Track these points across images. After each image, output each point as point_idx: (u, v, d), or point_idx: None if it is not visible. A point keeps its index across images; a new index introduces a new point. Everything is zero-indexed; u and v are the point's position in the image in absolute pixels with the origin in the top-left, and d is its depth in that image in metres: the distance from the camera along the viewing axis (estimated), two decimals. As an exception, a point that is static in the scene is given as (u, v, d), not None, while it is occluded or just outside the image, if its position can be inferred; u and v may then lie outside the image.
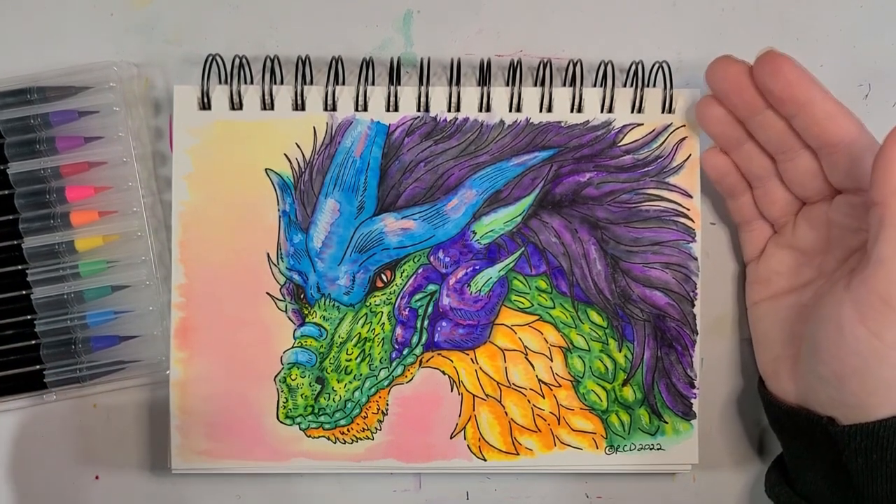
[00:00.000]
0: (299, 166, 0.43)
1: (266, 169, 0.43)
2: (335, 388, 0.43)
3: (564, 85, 0.44)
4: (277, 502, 0.45)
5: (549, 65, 0.43)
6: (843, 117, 0.38)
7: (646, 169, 0.43)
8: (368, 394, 0.43)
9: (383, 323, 0.43)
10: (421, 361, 0.43)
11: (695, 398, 0.44)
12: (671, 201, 0.43)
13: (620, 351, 0.43)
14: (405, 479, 0.45)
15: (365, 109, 0.43)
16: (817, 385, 0.38)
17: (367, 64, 0.43)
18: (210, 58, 0.43)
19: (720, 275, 0.45)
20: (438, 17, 0.45)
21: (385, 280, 0.43)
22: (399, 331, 0.43)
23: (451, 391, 0.43)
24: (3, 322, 0.43)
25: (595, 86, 0.44)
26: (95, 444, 0.45)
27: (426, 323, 0.43)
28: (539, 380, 0.43)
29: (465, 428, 0.43)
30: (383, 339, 0.43)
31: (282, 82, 0.44)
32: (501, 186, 0.43)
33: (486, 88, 0.43)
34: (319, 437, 0.43)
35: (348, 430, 0.43)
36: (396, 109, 0.43)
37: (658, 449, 0.44)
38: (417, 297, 0.43)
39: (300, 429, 0.43)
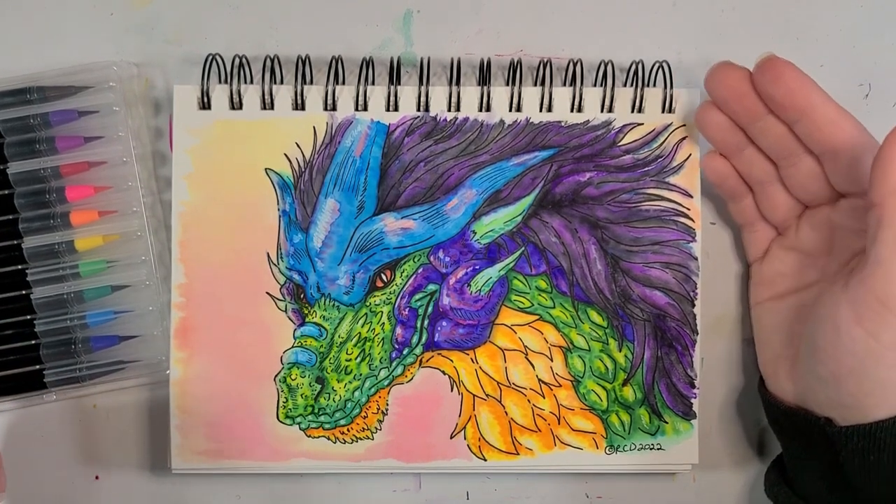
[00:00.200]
0: (299, 166, 0.43)
1: (266, 169, 0.43)
2: (335, 387, 0.43)
3: (564, 85, 0.44)
4: (277, 502, 0.45)
5: (549, 65, 0.43)
6: (845, 121, 0.37)
7: (646, 169, 0.43)
8: (368, 394, 0.43)
9: (383, 323, 0.43)
10: (421, 361, 0.43)
11: (695, 398, 0.44)
12: (671, 201, 0.43)
13: (620, 351, 0.43)
14: (405, 479, 0.45)
15: (365, 109, 0.43)
16: (815, 385, 0.38)
17: (367, 64, 0.43)
18: (210, 58, 0.43)
19: (720, 275, 0.45)
20: (438, 17, 0.45)
21: (385, 280, 0.43)
22: (399, 330, 0.43)
23: (451, 391, 0.43)
24: (3, 322, 0.43)
25: (595, 86, 0.44)
26: (95, 444, 0.45)
27: (426, 323, 0.43)
28: (539, 380, 0.43)
29: (465, 428, 0.43)
30: (383, 338, 0.43)
31: (282, 82, 0.44)
32: (501, 186, 0.43)
33: (486, 88, 0.43)
34: (319, 437, 0.43)
35: (348, 430, 0.43)
36: (396, 109, 0.43)
37: (658, 449, 0.44)
38: (417, 296, 0.43)
39: (300, 429, 0.43)
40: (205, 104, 0.43)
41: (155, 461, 0.45)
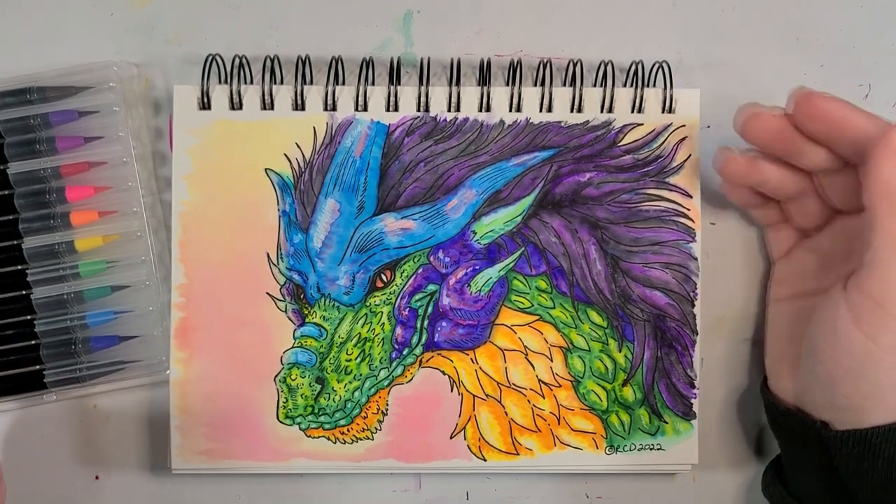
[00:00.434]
0: (299, 166, 0.43)
1: (266, 169, 0.43)
2: (335, 388, 0.43)
3: (564, 85, 0.44)
4: (277, 502, 0.45)
5: (549, 65, 0.43)
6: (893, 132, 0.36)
7: (646, 169, 0.43)
8: (368, 394, 0.43)
9: (383, 323, 0.43)
10: (421, 361, 0.43)
11: (695, 398, 0.44)
12: (671, 201, 0.43)
13: (620, 351, 0.43)
14: (405, 479, 0.45)
15: (365, 109, 0.43)
16: (813, 385, 0.38)
17: (367, 64, 0.43)
18: (210, 58, 0.43)
19: (720, 275, 0.45)
20: (438, 17, 0.45)
21: (385, 280, 0.43)
22: (399, 331, 0.43)
23: (451, 391, 0.43)
24: (3, 322, 0.43)
25: (595, 86, 0.44)
26: (95, 444, 0.45)
27: (426, 323, 0.43)
28: (539, 380, 0.43)
29: (465, 428, 0.43)
30: (383, 339, 0.43)
31: (282, 82, 0.44)
32: (501, 186, 0.43)
33: (486, 88, 0.43)
34: (319, 437, 0.43)
35: (348, 430, 0.43)
36: (396, 109, 0.43)
37: (658, 449, 0.44)
38: (417, 297, 0.43)
39: (300, 429, 0.43)
40: (205, 104, 0.43)
41: (155, 461, 0.45)
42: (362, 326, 0.43)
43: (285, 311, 0.43)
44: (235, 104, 0.43)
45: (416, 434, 0.43)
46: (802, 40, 0.46)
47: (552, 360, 0.43)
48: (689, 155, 0.43)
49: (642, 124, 0.43)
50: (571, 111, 0.43)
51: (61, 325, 0.43)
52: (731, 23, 0.46)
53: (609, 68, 0.43)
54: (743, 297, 0.45)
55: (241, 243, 0.43)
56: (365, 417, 0.43)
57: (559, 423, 0.43)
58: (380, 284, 0.43)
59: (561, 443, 0.43)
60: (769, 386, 0.42)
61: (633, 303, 0.43)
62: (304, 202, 0.43)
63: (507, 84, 0.44)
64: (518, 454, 0.43)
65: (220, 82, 0.43)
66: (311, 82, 0.44)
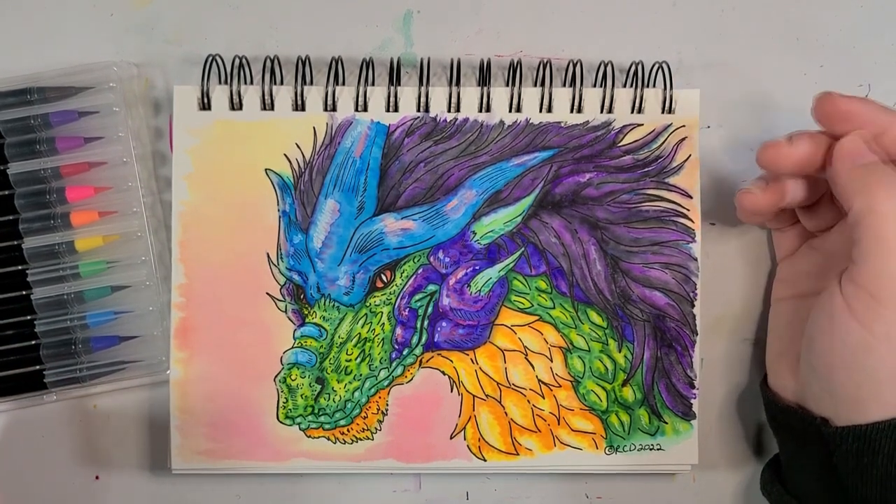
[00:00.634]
0: (299, 166, 0.43)
1: (266, 169, 0.43)
2: (335, 388, 0.43)
3: (564, 85, 0.44)
4: (277, 502, 0.45)
5: (549, 65, 0.43)
6: None
7: (646, 169, 0.43)
8: (368, 394, 0.43)
9: (383, 323, 0.43)
10: (421, 362, 0.43)
11: (694, 398, 0.44)
12: (671, 201, 0.43)
13: (620, 351, 0.43)
14: (405, 480, 0.45)
15: (365, 109, 0.43)
16: (811, 378, 0.38)
17: (367, 64, 0.43)
18: (210, 58, 0.43)
19: (720, 275, 0.45)
20: (438, 17, 0.45)
21: (385, 280, 0.43)
22: (399, 331, 0.43)
23: (451, 391, 0.43)
24: (3, 322, 0.43)
25: (595, 86, 0.44)
26: (95, 444, 0.45)
27: (426, 323, 0.43)
28: (539, 380, 0.43)
29: (465, 428, 0.43)
30: (383, 339, 0.43)
31: (282, 82, 0.44)
32: (501, 187, 0.43)
33: (486, 88, 0.43)
34: (319, 437, 0.43)
35: (348, 431, 0.43)
36: (396, 110, 0.43)
37: (658, 449, 0.44)
38: (417, 297, 0.43)
39: (300, 429, 0.43)
40: (205, 104, 0.43)
41: (155, 461, 0.45)
42: (362, 327, 0.43)
43: (285, 312, 0.43)
44: (235, 104, 0.43)
45: (416, 434, 0.43)
46: (802, 40, 0.46)
47: (552, 361, 0.43)
48: (689, 155, 0.43)
49: (642, 124, 0.43)
50: (571, 111, 0.43)
51: (61, 325, 0.43)
52: (731, 23, 0.46)
53: (609, 68, 0.43)
54: (743, 297, 0.45)
55: (241, 243, 0.43)
56: (365, 417, 0.43)
57: (559, 424, 0.43)
58: (380, 285, 0.43)
59: (561, 443, 0.43)
60: (769, 383, 0.42)
61: (632, 303, 0.43)
62: (304, 202, 0.43)
63: (507, 84, 0.44)
64: (518, 454, 0.43)
65: (220, 82, 0.43)
66: (311, 82, 0.44)
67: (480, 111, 0.43)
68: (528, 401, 0.43)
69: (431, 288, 0.43)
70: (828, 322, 0.37)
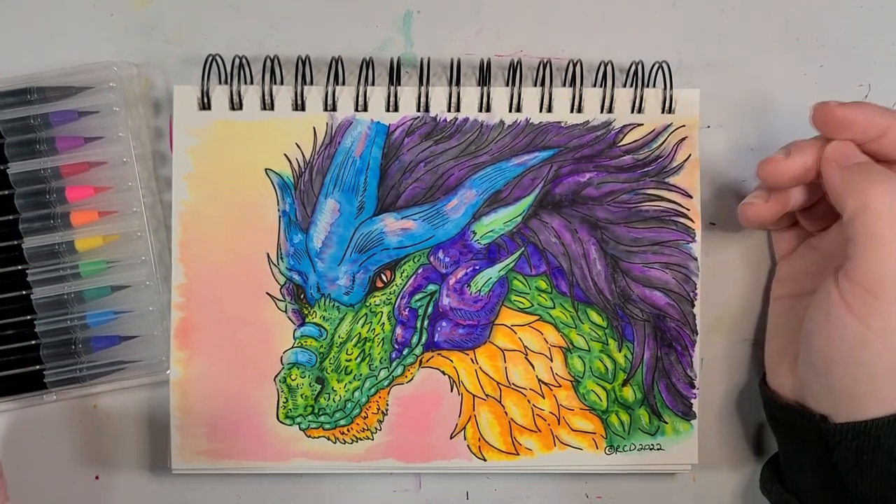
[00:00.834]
0: (299, 166, 0.43)
1: (266, 169, 0.43)
2: (335, 388, 0.43)
3: (564, 85, 0.44)
4: (277, 502, 0.45)
5: (549, 65, 0.43)
6: None
7: (646, 169, 0.43)
8: (368, 394, 0.43)
9: (383, 323, 0.43)
10: (421, 361, 0.43)
11: (695, 398, 0.44)
12: (671, 201, 0.43)
13: (620, 351, 0.43)
14: (405, 479, 0.45)
15: (365, 109, 0.43)
16: (809, 374, 0.38)
17: (367, 64, 0.43)
18: (210, 58, 0.43)
19: (720, 275, 0.45)
20: (438, 17, 0.45)
21: (385, 280, 0.43)
22: (399, 331, 0.43)
23: (451, 391, 0.43)
24: (3, 322, 0.43)
25: (595, 86, 0.44)
26: (95, 444, 0.45)
27: (426, 323, 0.43)
28: (539, 380, 0.43)
29: (465, 428, 0.43)
30: (383, 339, 0.43)
31: (282, 82, 0.44)
32: (501, 186, 0.43)
33: (486, 88, 0.43)
34: (319, 437, 0.43)
35: (348, 430, 0.43)
36: (396, 109, 0.43)
37: (658, 449, 0.44)
38: (417, 297, 0.43)
39: (300, 429, 0.43)
40: (205, 104, 0.43)
41: (155, 461, 0.45)
42: (362, 326, 0.43)
43: (285, 311, 0.43)
44: (235, 104, 0.43)
45: (416, 434, 0.43)
46: (802, 40, 0.46)
47: (552, 360, 0.43)
48: (689, 155, 0.43)
49: (642, 124, 0.43)
50: (571, 111, 0.43)
51: (61, 325, 0.43)
52: (731, 23, 0.46)
53: (609, 68, 0.43)
54: (743, 297, 0.45)
55: (241, 243, 0.43)
56: (365, 417, 0.43)
57: (559, 423, 0.43)
58: (380, 284, 0.43)
59: (561, 443, 0.43)
60: (768, 382, 0.42)
61: (632, 303, 0.43)
62: (304, 202, 0.43)
63: (507, 84, 0.44)
64: (518, 454, 0.43)
65: (220, 82, 0.43)
66: (311, 82, 0.44)
67: (480, 111, 0.43)
68: (528, 401, 0.43)
69: (431, 288, 0.43)
70: (825, 318, 0.37)
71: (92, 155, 0.43)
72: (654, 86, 0.44)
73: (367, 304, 0.43)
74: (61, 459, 0.45)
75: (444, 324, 0.43)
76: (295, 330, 0.43)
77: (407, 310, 0.43)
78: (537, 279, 0.43)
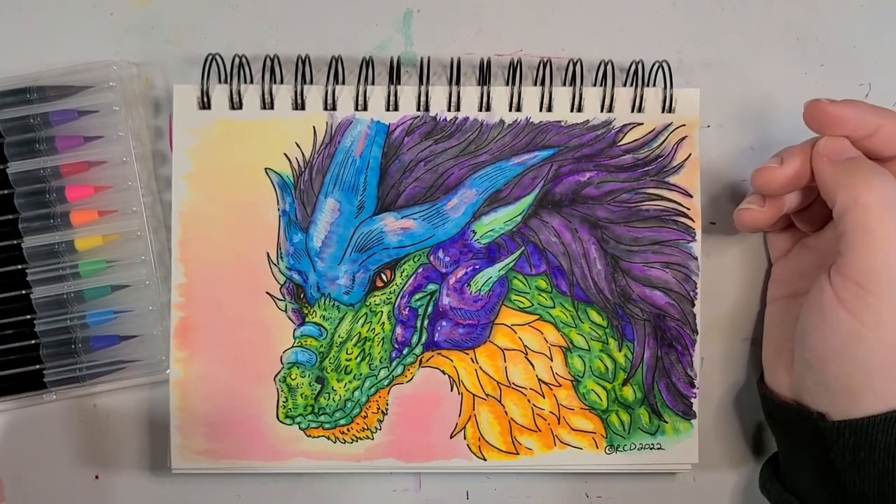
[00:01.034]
0: (299, 166, 0.43)
1: (266, 168, 0.43)
2: (335, 387, 0.43)
3: (564, 84, 0.44)
4: (277, 502, 0.45)
5: (549, 64, 0.44)
6: None
7: (646, 168, 0.43)
8: (368, 393, 0.43)
9: (383, 322, 0.43)
10: (421, 361, 0.43)
11: (695, 398, 0.44)
12: (671, 201, 0.43)
13: (620, 350, 0.43)
14: (405, 479, 0.45)
15: (365, 109, 0.43)
16: (805, 372, 0.38)
17: (367, 63, 0.43)
18: (210, 57, 0.43)
19: (720, 275, 0.45)
20: (438, 16, 0.45)
21: (385, 279, 0.43)
22: (399, 330, 0.43)
23: (451, 391, 0.43)
24: (3, 322, 0.43)
25: (595, 85, 0.44)
26: (95, 444, 0.45)
27: (426, 322, 0.43)
28: (539, 379, 0.43)
29: (465, 427, 0.43)
30: (383, 338, 0.43)
31: (282, 82, 0.44)
32: (501, 186, 0.43)
33: (486, 88, 0.43)
34: (319, 436, 0.43)
35: (348, 430, 0.43)
36: (396, 109, 0.43)
37: (658, 448, 0.44)
38: (417, 296, 0.43)
39: (300, 428, 0.43)
40: (205, 104, 0.43)
41: (155, 461, 0.45)
42: (362, 326, 0.43)
43: (285, 311, 0.43)
44: (235, 104, 0.43)
45: (416, 434, 0.43)
46: (802, 40, 0.46)
47: (552, 360, 0.43)
48: (689, 154, 0.43)
49: (642, 124, 0.43)
50: (571, 111, 0.43)
51: (61, 324, 0.43)
52: (731, 23, 0.46)
53: (609, 68, 0.43)
54: (743, 297, 0.45)
55: (241, 243, 0.43)
56: (365, 417, 0.43)
57: (559, 423, 0.43)
58: (380, 284, 0.43)
59: (561, 442, 0.43)
60: (765, 381, 0.42)
61: (633, 302, 0.43)
62: (304, 202, 0.43)
63: (507, 84, 0.44)
64: (518, 454, 0.43)
65: (220, 82, 0.43)
66: (311, 82, 0.44)
67: (480, 110, 0.43)
68: (529, 400, 0.43)
69: (431, 287, 0.43)
70: (819, 315, 0.37)
71: (92, 154, 0.43)
72: (654, 85, 0.44)
73: (367, 303, 0.43)
74: (61, 459, 0.45)
75: (444, 323, 0.43)
76: (295, 329, 0.43)
77: (407, 309, 0.43)
78: (537, 278, 0.43)
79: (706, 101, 0.44)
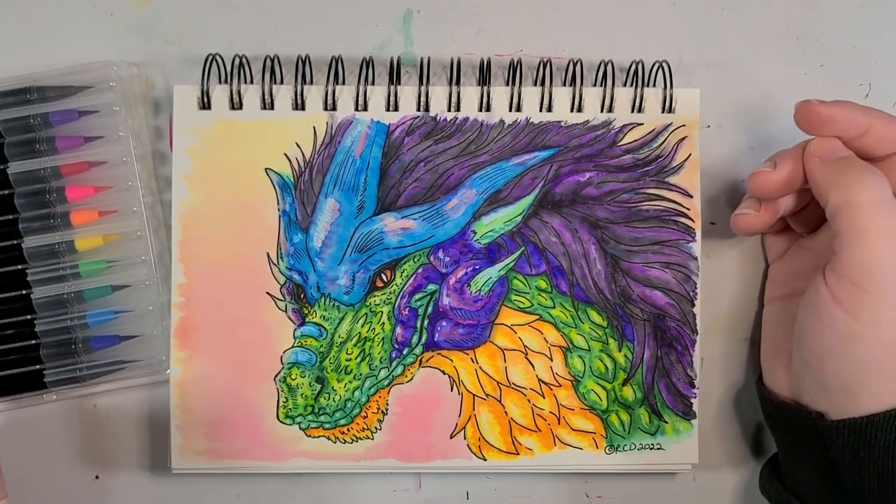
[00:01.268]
0: (299, 166, 0.43)
1: (266, 168, 0.43)
2: (335, 387, 0.43)
3: (564, 85, 0.44)
4: (277, 502, 0.45)
5: (549, 64, 0.44)
6: None
7: (646, 168, 0.43)
8: (368, 393, 0.43)
9: (383, 322, 0.43)
10: (421, 361, 0.43)
11: (695, 398, 0.44)
12: (671, 201, 0.43)
13: (620, 350, 0.43)
14: (405, 479, 0.45)
15: (365, 109, 0.43)
16: (803, 372, 0.38)
17: (367, 64, 0.43)
18: (210, 57, 0.43)
19: (720, 275, 0.45)
20: (438, 17, 0.45)
21: (385, 280, 0.43)
22: (399, 330, 0.43)
23: (451, 391, 0.43)
24: (3, 322, 0.43)
25: (595, 85, 0.44)
26: (95, 444, 0.45)
27: (426, 322, 0.43)
28: (539, 379, 0.43)
29: (465, 428, 0.43)
30: (383, 338, 0.43)
31: (282, 82, 0.44)
32: (501, 186, 0.43)
33: (486, 88, 0.43)
34: (319, 436, 0.43)
35: (348, 430, 0.43)
36: (396, 109, 0.43)
37: (658, 449, 0.44)
38: (417, 296, 0.43)
39: (300, 428, 0.43)
40: (205, 104, 0.43)
41: (155, 461, 0.45)
42: (362, 326, 0.43)
43: (285, 311, 0.43)
44: (235, 104, 0.43)
45: (416, 434, 0.43)
46: (802, 40, 0.46)
47: (552, 360, 0.43)
48: (689, 154, 0.43)
49: (642, 124, 0.43)
50: (571, 111, 0.43)
51: (61, 324, 0.43)
52: (731, 23, 0.46)
53: (609, 68, 0.43)
54: (743, 297, 0.45)
55: (241, 243, 0.43)
56: (365, 417, 0.43)
57: (559, 423, 0.43)
58: (380, 284, 0.43)
59: (561, 442, 0.43)
60: (764, 382, 0.42)
61: (633, 302, 0.43)
62: (304, 202, 0.43)
63: (507, 84, 0.44)
64: (518, 454, 0.43)
65: (220, 82, 0.43)
66: (311, 82, 0.44)
67: (480, 110, 0.43)
68: (529, 400, 0.43)
69: (431, 287, 0.43)
70: (815, 314, 0.37)
71: (92, 154, 0.43)
72: (654, 85, 0.44)
73: (367, 303, 0.43)
74: (61, 459, 0.45)
75: (444, 323, 0.43)
76: (295, 329, 0.43)
77: (407, 309, 0.43)
78: (537, 279, 0.43)
79: (706, 102, 0.44)
